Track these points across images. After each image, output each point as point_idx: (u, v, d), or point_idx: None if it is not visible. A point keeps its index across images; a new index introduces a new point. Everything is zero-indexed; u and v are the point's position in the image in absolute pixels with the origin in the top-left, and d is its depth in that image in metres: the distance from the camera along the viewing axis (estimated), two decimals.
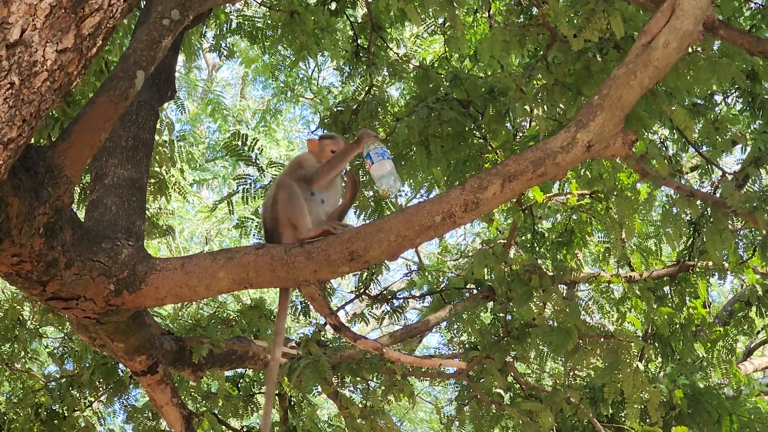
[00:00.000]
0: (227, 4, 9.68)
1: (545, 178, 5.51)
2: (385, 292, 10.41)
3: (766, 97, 9.54)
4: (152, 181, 9.63)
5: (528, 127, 9.41)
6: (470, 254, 13.25)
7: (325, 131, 9.75)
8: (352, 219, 10.08)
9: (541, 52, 8.87)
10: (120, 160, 6.44)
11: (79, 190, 9.06)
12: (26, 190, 4.75)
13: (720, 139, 9.31)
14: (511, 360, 8.93)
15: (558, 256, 9.95)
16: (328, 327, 9.15)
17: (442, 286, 10.49)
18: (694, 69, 7.55)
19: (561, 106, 8.17)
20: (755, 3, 9.24)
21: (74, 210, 5.37)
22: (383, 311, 10.37)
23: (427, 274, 10.88)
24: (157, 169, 9.70)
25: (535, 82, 8.08)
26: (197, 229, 20.28)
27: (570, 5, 7.34)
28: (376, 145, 5.77)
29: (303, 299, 9.71)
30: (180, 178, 10.20)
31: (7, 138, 3.64)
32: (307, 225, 5.72)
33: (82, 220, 5.84)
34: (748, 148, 9.75)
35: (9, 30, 3.56)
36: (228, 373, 9.54)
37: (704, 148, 9.62)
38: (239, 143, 9.61)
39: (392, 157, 5.74)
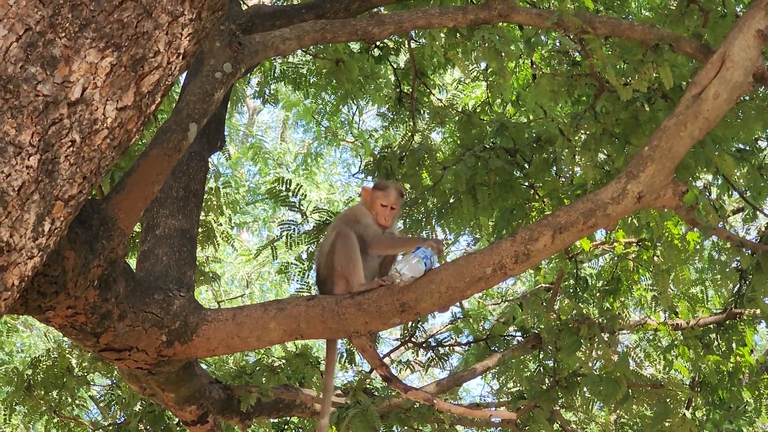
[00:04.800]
0: None
1: (596, 228, 5.51)
2: (430, 339, 10.38)
3: None
4: (200, 229, 9.67)
5: (571, 174, 9.39)
6: (512, 298, 13.21)
7: (367, 176, 9.75)
8: None
9: (584, 97, 8.87)
10: (171, 211, 6.49)
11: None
12: (81, 243, 4.79)
13: (764, 184, 9.26)
14: (558, 408, 8.88)
15: (605, 305, 9.89)
16: (373, 374, 9.14)
17: (487, 333, 10.44)
18: (742, 118, 7.53)
19: (605, 152, 8.16)
20: None
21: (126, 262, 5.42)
22: (428, 358, 10.34)
23: (470, 320, 10.83)
24: (204, 217, 9.74)
25: (582, 131, 8.08)
26: (238, 272, 20.31)
27: (619, 56, 7.34)
28: (434, 252, 5.67)
29: (348, 346, 9.68)
30: (227, 227, 10.25)
31: (68, 195, 3.67)
32: (360, 280, 5.72)
33: (133, 269, 5.87)
34: None
35: (70, 88, 3.59)
36: (272, 420, 9.52)
37: (748, 193, 9.57)
38: (282, 189, 9.63)
39: (429, 268, 5.63)
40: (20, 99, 3.47)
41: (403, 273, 5.45)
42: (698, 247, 9.15)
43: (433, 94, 10.77)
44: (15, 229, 3.49)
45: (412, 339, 10.17)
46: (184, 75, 7.67)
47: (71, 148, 3.63)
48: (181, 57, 3.98)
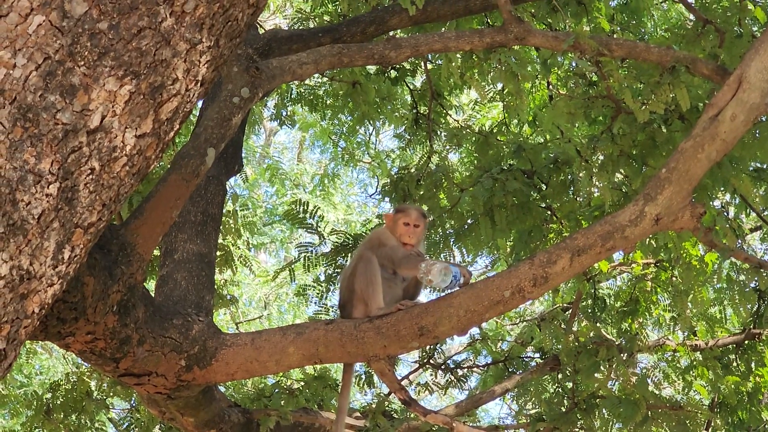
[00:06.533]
0: None
1: (614, 251, 5.50)
2: (449, 361, 10.36)
3: None
4: (219, 253, 9.67)
5: (588, 195, 9.37)
6: (530, 318, 13.18)
7: (384, 197, 9.75)
8: None
9: (601, 117, 8.85)
10: (189, 235, 6.51)
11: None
12: (101, 269, 4.81)
13: None
14: (577, 430, 8.85)
15: (623, 326, 9.87)
16: (392, 396, 9.12)
17: (505, 355, 10.40)
18: (759, 138, 7.50)
19: (621, 172, 8.14)
20: None
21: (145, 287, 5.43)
22: (447, 380, 10.31)
23: (488, 341, 10.80)
24: (221, 240, 9.73)
25: (599, 153, 8.08)
26: (256, 294, 20.29)
27: (635, 77, 7.33)
28: (461, 276, 5.66)
29: (367, 369, 9.67)
30: (245, 251, 10.25)
31: (88, 222, 3.68)
32: (378, 304, 5.71)
33: (152, 294, 5.89)
34: None
35: (90, 117, 3.60)
36: None
37: (766, 213, 9.54)
38: (300, 211, 9.65)
39: (451, 287, 5.62)
40: (40, 127, 3.49)
41: (431, 270, 5.47)
42: (717, 267, 9.12)
43: (450, 115, 10.76)
44: (35, 257, 3.50)
45: (431, 360, 10.15)
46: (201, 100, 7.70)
47: (90, 176, 3.64)
48: (199, 84, 3.99)
